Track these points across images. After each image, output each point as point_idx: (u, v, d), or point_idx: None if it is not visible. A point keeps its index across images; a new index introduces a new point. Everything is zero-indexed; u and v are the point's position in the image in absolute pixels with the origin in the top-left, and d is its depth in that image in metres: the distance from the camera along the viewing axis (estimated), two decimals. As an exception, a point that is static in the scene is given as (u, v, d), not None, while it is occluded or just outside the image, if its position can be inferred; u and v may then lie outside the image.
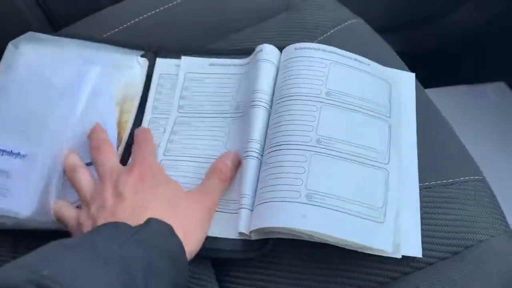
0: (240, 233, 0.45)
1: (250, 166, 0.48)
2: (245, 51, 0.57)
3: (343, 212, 0.43)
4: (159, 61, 0.57)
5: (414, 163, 0.49)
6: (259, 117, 0.50)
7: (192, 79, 0.55)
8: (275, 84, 0.53)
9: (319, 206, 0.43)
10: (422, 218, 0.46)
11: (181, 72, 0.56)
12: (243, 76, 0.55)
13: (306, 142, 0.47)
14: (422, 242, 0.45)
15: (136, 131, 0.50)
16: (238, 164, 0.49)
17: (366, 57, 0.54)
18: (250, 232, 0.45)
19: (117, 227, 0.39)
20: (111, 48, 0.57)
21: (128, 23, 0.62)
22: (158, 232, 0.39)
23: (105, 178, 0.44)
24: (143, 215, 0.40)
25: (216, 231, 0.46)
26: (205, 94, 0.55)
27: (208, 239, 0.45)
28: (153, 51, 0.58)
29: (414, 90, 0.54)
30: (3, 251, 0.49)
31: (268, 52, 0.54)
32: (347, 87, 0.50)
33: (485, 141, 0.89)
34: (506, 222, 0.48)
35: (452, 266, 0.45)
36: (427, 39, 0.96)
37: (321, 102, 0.49)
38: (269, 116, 0.51)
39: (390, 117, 0.50)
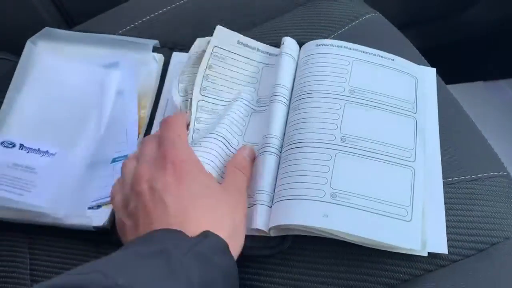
0: (256, 229, 0.44)
1: (269, 162, 0.47)
2: (273, 44, 0.56)
3: (370, 212, 0.43)
4: (175, 54, 0.56)
5: (438, 159, 0.48)
6: (279, 112, 0.49)
7: (218, 56, 0.53)
8: (294, 79, 0.52)
9: (343, 205, 0.43)
10: (446, 215, 0.45)
11: (210, 46, 0.53)
12: (268, 68, 0.54)
13: (330, 140, 0.46)
14: (447, 239, 0.44)
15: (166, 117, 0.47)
16: (253, 160, 0.48)
17: (385, 51, 0.53)
18: (269, 229, 0.44)
19: (178, 236, 0.37)
20: (127, 44, 0.57)
21: (142, 20, 0.62)
22: (215, 248, 0.37)
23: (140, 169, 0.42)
24: (186, 225, 0.38)
25: None
26: (227, 78, 0.52)
27: None
28: (168, 47, 0.58)
29: (436, 85, 0.53)
30: (19, 247, 0.49)
31: (289, 45, 0.53)
32: (371, 84, 0.50)
33: (506, 137, 0.87)
34: (532, 219, 0.47)
35: (477, 263, 0.44)
36: (445, 34, 0.95)
37: (344, 100, 0.48)
38: (287, 112, 0.50)
39: (416, 112, 0.49)
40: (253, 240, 0.44)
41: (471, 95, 0.93)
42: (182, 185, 0.40)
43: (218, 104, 0.51)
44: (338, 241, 0.43)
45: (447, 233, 0.44)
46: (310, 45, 0.54)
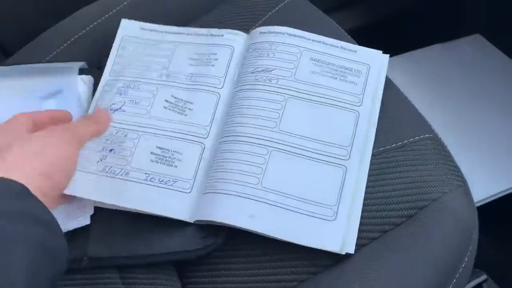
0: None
1: (192, 151, 0.47)
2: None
3: (296, 212, 0.43)
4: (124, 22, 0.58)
5: (368, 157, 0.46)
6: (208, 102, 0.50)
7: (126, 44, 0.56)
8: (231, 69, 0.52)
9: (271, 205, 0.43)
10: (373, 186, 0.45)
11: (118, 37, 0.56)
12: (182, 45, 0.54)
13: (267, 137, 0.46)
14: (375, 211, 0.44)
15: None
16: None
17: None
18: (195, 221, 0.44)
19: None
20: (54, 70, 0.57)
21: (72, 39, 0.62)
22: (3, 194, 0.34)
23: None
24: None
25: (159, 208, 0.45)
26: (135, 62, 0.54)
27: (156, 243, 0.45)
28: (96, 67, 0.58)
29: (385, 73, 0.51)
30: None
31: (228, 36, 0.53)
32: (316, 77, 0.49)
33: (465, 96, 0.86)
34: (460, 176, 0.46)
35: (407, 230, 0.43)
36: (392, 3, 0.94)
37: (287, 94, 0.48)
38: (223, 101, 0.50)
39: (361, 105, 0.48)
40: (185, 244, 0.45)
41: (430, 59, 0.92)
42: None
43: (124, 83, 0.53)
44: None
45: (375, 205, 0.44)
46: (255, 33, 0.53)
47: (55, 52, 0.61)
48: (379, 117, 0.49)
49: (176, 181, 0.46)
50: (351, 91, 0.48)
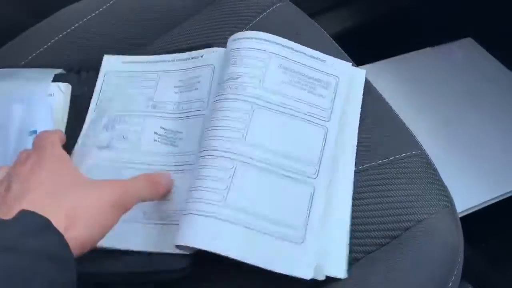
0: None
1: (179, 181, 0.45)
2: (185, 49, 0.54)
3: (262, 233, 0.40)
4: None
5: (350, 172, 0.45)
6: (196, 127, 0.48)
7: (110, 79, 0.53)
8: (213, 87, 0.49)
9: (237, 224, 0.40)
10: (357, 204, 0.44)
11: (101, 73, 0.54)
12: (166, 74, 0.52)
13: (232, 150, 0.43)
14: (358, 231, 0.42)
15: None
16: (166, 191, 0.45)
17: (298, 41, 0.49)
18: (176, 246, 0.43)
19: None
20: (27, 75, 0.55)
21: (53, 40, 0.60)
22: (28, 226, 0.34)
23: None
24: (17, 207, 0.35)
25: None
26: (119, 96, 0.52)
27: (135, 260, 0.43)
28: (74, 71, 0.56)
29: (362, 88, 0.49)
30: None
31: (208, 57, 0.51)
32: (286, 87, 0.46)
33: (456, 99, 0.85)
34: (446, 196, 0.45)
35: (392, 252, 0.42)
36: (380, 6, 0.93)
37: (255, 104, 0.45)
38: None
39: (329, 120, 0.46)
40: (167, 262, 0.43)
41: (421, 62, 0.90)
42: (35, 174, 0.38)
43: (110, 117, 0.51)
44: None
45: (359, 225, 0.43)
46: (229, 40, 0.50)
47: (34, 54, 0.59)
48: (364, 131, 0.47)
49: (169, 216, 0.44)
50: (319, 105, 0.46)
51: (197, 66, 0.51)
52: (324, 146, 0.44)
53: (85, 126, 0.51)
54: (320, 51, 0.50)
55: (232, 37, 0.50)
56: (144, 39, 0.59)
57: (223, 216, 0.41)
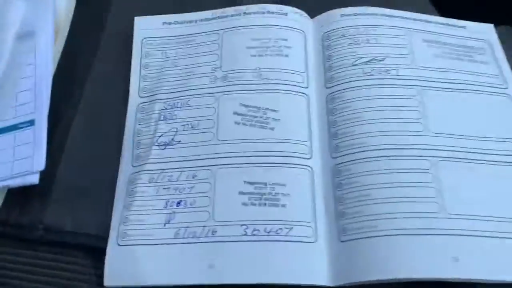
0: None
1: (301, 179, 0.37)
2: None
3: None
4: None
5: None
6: (296, 107, 0.38)
7: (151, 50, 0.42)
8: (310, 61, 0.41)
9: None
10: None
11: (136, 43, 0.42)
12: (230, 32, 0.42)
13: (417, 144, 0.36)
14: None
15: None
16: None
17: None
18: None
19: None
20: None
21: None
22: None
23: None
24: None
25: None
26: (169, 71, 0.41)
27: None
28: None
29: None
30: None
31: (293, 17, 0.42)
32: (441, 62, 0.40)
33: None
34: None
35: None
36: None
37: (418, 86, 0.38)
38: (314, 106, 0.39)
39: (507, 87, 0.40)
40: None
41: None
42: None
43: (162, 103, 0.40)
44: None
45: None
46: (333, 15, 0.42)
47: None
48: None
49: (291, 228, 0.34)
50: (487, 72, 0.40)
51: (281, 26, 0.41)
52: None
53: (129, 118, 0.39)
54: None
55: (337, 11, 0.42)
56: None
57: (442, 231, 0.33)
